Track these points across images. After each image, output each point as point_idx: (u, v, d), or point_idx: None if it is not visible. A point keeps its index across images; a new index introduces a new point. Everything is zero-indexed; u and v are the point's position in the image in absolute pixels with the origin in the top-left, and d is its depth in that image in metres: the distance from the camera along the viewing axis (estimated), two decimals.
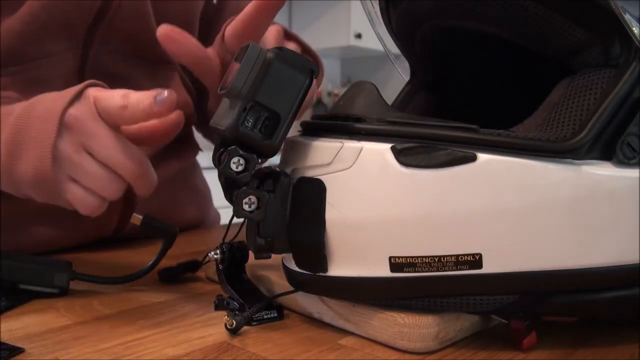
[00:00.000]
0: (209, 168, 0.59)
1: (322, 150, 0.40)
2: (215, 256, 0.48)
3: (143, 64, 0.72)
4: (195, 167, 0.90)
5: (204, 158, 0.83)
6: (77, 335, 0.42)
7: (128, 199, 0.71)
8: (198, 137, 0.91)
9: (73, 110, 0.48)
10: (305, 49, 0.61)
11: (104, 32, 0.66)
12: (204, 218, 0.89)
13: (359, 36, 3.34)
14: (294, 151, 0.42)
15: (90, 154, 0.48)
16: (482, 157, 0.36)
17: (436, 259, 0.37)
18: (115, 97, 0.48)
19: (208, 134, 0.88)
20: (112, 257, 0.67)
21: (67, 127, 0.48)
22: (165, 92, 0.45)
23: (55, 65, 0.64)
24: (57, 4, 0.61)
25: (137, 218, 0.53)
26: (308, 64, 0.41)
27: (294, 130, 0.43)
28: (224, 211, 0.69)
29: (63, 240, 0.69)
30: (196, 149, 0.87)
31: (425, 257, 0.38)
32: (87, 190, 0.49)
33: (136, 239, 0.75)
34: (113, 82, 0.71)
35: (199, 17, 0.80)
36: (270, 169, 0.41)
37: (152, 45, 0.71)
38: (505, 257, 0.37)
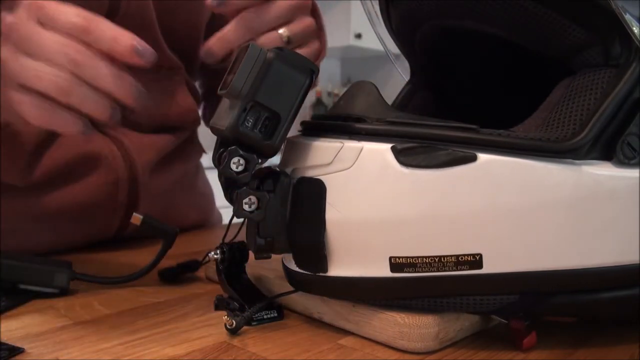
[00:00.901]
0: (212, 168, 0.60)
1: (322, 150, 0.40)
2: (215, 256, 0.48)
3: (146, 69, 0.72)
4: (199, 169, 0.90)
5: (207, 158, 0.83)
6: (77, 335, 0.42)
7: (131, 202, 0.71)
8: (201, 139, 0.91)
9: (8, 18, 0.42)
10: (320, 26, 0.60)
11: None
12: (207, 220, 0.89)
13: (359, 36, 3.34)
14: (294, 151, 0.42)
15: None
16: (482, 157, 0.36)
17: (436, 259, 0.37)
18: (69, 12, 0.42)
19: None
20: (112, 257, 0.67)
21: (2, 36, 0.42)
22: (148, 47, 0.41)
23: None
24: None
25: (137, 218, 0.53)
26: (308, 64, 0.41)
27: (294, 130, 0.43)
28: (225, 211, 0.69)
29: (64, 242, 0.69)
30: (200, 151, 0.87)
31: (426, 257, 0.37)
32: (42, 97, 0.42)
33: (136, 239, 0.75)
34: None
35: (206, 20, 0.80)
36: (270, 169, 0.41)
37: (157, 50, 0.71)
38: (506, 257, 0.37)
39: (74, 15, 0.42)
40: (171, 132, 0.77)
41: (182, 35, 0.75)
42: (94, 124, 0.70)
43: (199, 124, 0.82)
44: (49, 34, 0.42)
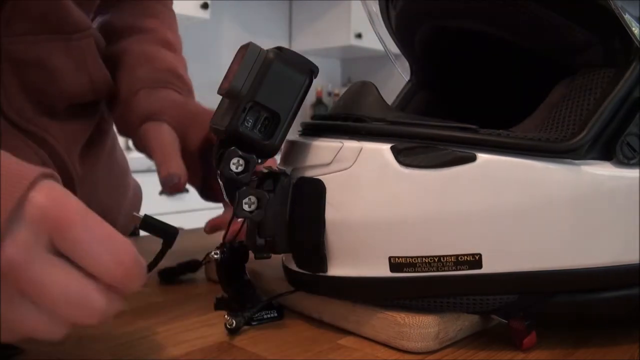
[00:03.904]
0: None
1: (322, 150, 0.40)
2: (215, 256, 0.47)
3: (56, 39, 0.63)
4: (114, 140, 0.81)
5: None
6: (77, 335, 0.42)
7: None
8: None
9: (8, 249, 0.29)
10: None
11: (8, 15, 0.59)
12: (127, 191, 0.83)
13: (359, 36, 3.34)
14: (294, 151, 0.42)
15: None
16: (481, 157, 0.36)
17: (436, 259, 0.37)
18: (103, 255, 0.32)
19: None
20: None
21: None
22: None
23: None
24: None
25: (137, 218, 0.53)
26: (308, 64, 0.41)
27: (294, 130, 0.43)
28: (213, 212, 0.68)
29: None
30: (110, 119, 0.78)
31: (425, 257, 0.38)
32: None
33: (136, 240, 0.75)
34: (25, 69, 0.62)
35: None
36: (270, 169, 0.41)
37: (66, 17, 0.63)
38: (505, 257, 0.37)
39: (111, 261, 0.32)
40: (87, 114, 0.70)
41: None
42: (13, 123, 0.61)
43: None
44: (60, 279, 0.31)
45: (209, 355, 0.38)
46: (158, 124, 0.62)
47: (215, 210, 0.96)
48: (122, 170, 0.84)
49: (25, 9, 0.60)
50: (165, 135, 0.61)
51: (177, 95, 0.68)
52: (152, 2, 0.79)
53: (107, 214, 0.53)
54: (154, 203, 0.96)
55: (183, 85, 0.70)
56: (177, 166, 0.57)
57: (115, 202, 0.79)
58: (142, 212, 0.51)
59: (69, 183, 0.66)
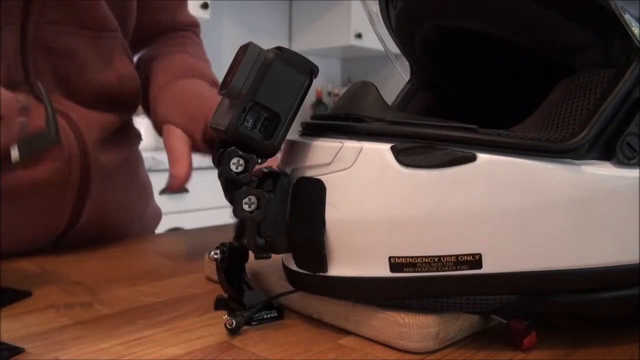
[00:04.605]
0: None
1: (322, 150, 0.40)
2: (215, 256, 0.47)
3: (85, 34, 0.69)
4: (139, 156, 0.87)
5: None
6: (77, 335, 0.42)
7: (82, 181, 0.69)
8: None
9: None
10: None
11: (42, 3, 0.63)
12: (145, 209, 0.86)
13: (359, 36, 3.34)
14: (294, 151, 0.42)
15: None
16: (481, 157, 0.36)
17: (436, 259, 0.37)
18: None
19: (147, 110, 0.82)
20: (113, 260, 0.67)
21: None
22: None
23: None
24: None
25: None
26: (308, 64, 0.41)
27: (294, 130, 0.43)
28: (224, 211, 0.69)
29: (10, 239, 0.65)
30: (138, 136, 0.85)
31: (425, 257, 0.38)
32: None
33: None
34: (56, 57, 0.67)
35: None
36: (270, 169, 0.41)
37: (95, 12, 0.69)
38: (505, 257, 0.37)
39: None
40: (114, 108, 0.75)
41: None
42: (39, 97, 0.65)
43: (140, 96, 0.78)
44: None
45: (209, 355, 0.38)
46: (172, 129, 0.67)
47: (215, 210, 0.96)
48: (145, 188, 0.88)
49: None
50: (177, 141, 0.67)
51: (197, 87, 0.73)
52: (181, 39, 0.90)
53: (120, 213, 0.55)
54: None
55: (206, 77, 0.76)
56: (183, 170, 0.63)
57: (131, 205, 0.81)
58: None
59: (84, 158, 0.68)
